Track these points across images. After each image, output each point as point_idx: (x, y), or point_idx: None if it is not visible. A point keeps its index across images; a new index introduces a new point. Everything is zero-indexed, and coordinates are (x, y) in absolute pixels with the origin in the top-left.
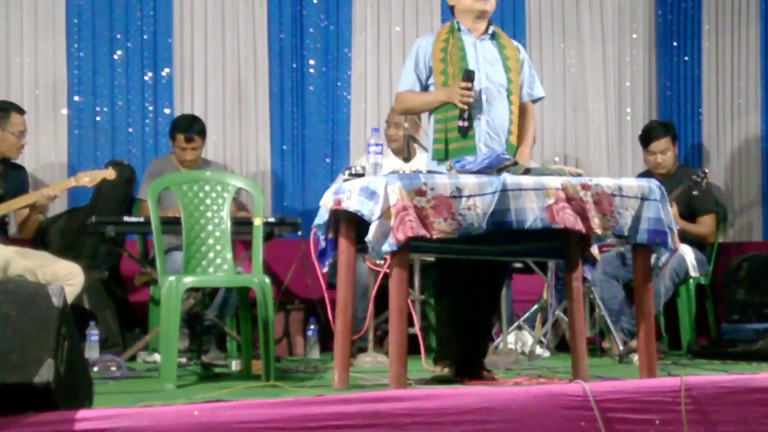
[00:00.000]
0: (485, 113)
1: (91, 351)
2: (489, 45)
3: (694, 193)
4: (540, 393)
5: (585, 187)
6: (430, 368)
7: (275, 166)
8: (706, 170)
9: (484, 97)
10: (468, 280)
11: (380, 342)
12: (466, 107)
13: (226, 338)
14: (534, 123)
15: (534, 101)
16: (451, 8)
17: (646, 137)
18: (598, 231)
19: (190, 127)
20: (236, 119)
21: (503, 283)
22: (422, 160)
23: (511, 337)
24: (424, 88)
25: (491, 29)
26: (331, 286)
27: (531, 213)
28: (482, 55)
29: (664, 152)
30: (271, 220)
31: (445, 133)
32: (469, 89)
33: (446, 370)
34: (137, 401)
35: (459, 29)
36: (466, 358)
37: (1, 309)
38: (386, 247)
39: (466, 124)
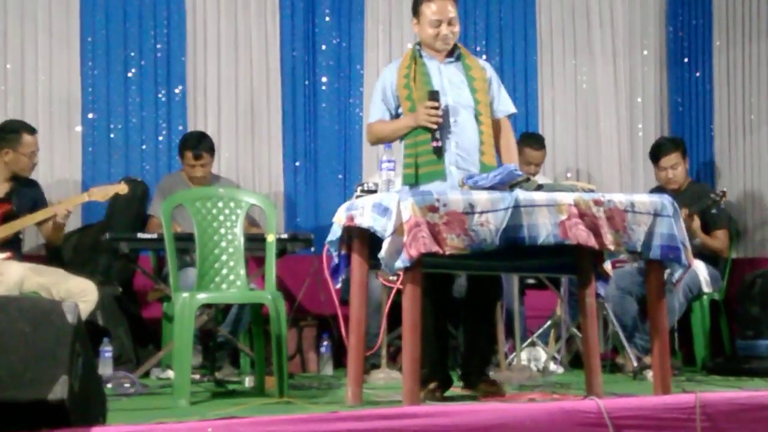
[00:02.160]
0: (454, 135)
1: (105, 367)
2: (453, 68)
3: (713, 211)
4: (554, 409)
5: (597, 202)
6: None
7: (288, 182)
8: (725, 189)
9: (452, 119)
10: (448, 296)
11: (393, 358)
12: (436, 127)
13: (240, 355)
14: (513, 137)
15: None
16: None
17: (656, 153)
18: (611, 247)
19: (198, 144)
20: (249, 136)
21: (497, 296)
22: None
23: (524, 354)
24: (395, 117)
25: (456, 51)
26: (344, 302)
27: (544, 229)
28: (447, 78)
29: (675, 167)
30: (284, 236)
31: (415, 157)
32: (436, 108)
33: (435, 393)
34: (151, 418)
35: (421, 56)
36: (467, 369)
37: (16, 326)
38: (399, 264)
39: (440, 143)
